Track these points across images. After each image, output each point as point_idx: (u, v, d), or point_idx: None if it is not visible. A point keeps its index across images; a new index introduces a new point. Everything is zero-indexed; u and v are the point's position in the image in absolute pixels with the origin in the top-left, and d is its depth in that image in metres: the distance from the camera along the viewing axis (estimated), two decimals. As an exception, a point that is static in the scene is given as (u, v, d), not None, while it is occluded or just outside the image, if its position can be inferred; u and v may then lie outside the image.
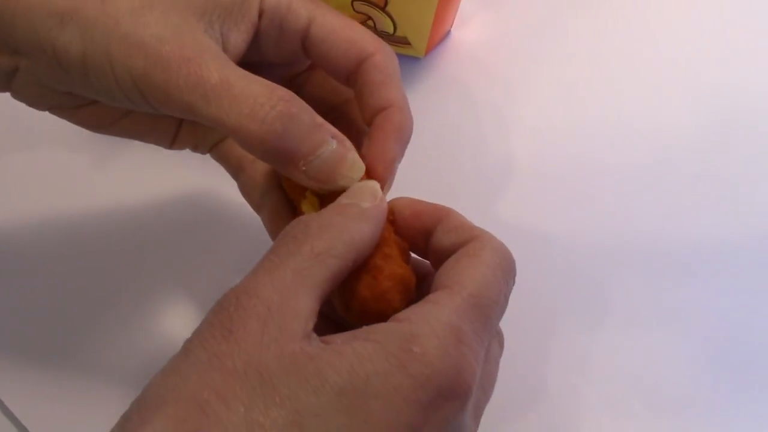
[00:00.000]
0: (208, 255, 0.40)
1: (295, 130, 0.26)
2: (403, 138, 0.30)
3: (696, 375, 0.37)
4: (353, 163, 0.27)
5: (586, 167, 0.43)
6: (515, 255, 0.40)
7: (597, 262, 0.41)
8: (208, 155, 0.34)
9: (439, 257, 0.28)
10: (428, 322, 0.24)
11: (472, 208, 0.42)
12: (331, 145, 0.27)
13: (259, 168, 0.32)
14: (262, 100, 0.25)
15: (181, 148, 0.34)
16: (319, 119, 0.27)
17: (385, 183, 0.29)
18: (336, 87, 0.33)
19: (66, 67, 0.26)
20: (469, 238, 0.28)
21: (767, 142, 0.44)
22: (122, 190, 0.42)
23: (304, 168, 0.26)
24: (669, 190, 0.43)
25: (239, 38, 0.29)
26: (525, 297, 0.39)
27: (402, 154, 0.30)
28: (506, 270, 0.28)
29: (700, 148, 0.44)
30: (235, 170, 0.33)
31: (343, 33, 0.30)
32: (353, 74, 0.30)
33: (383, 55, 0.30)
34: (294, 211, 0.31)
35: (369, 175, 0.29)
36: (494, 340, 0.29)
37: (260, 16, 0.29)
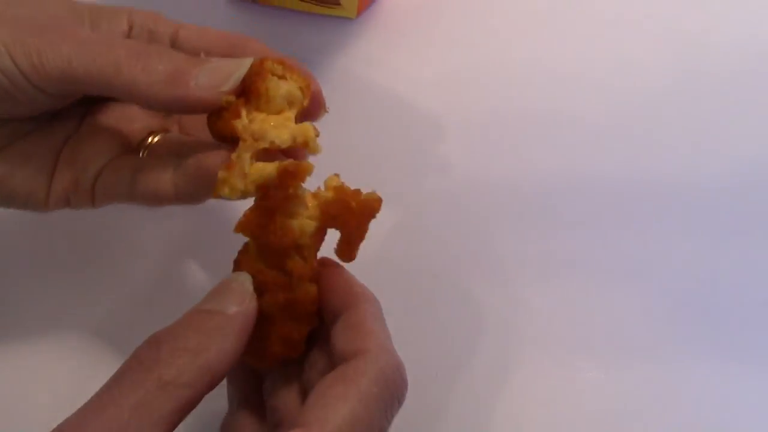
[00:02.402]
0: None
1: (170, 54, 0.28)
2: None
3: (642, 326, 0.37)
4: (239, 59, 0.29)
5: (528, 121, 0.43)
6: (468, 200, 0.40)
7: (541, 211, 0.40)
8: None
9: (333, 354, 0.27)
10: None
11: (403, 171, 0.41)
12: (212, 59, 0.29)
13: (162, 159, 0.31)
14: (133, 42, 0.29)
15: (60, 195, 0.31)
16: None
17: (311, 79, 0.30)
18: None
19: None
20: (358, 350, 0.25)
21: (727, 85, 0.43)
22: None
23: (194, 83, 0.28)
24: (618, 137, 0.42)
25: None
26: (460, 249, 0.39)
27: None
28: (387, 400, 0.25)
29: (652, 91, 0.43)
30: (129, 188, 0.31)
31: (212, 31, 0.32)
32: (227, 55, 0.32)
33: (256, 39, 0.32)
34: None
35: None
36: None
37: (130, 27, 0.32)
